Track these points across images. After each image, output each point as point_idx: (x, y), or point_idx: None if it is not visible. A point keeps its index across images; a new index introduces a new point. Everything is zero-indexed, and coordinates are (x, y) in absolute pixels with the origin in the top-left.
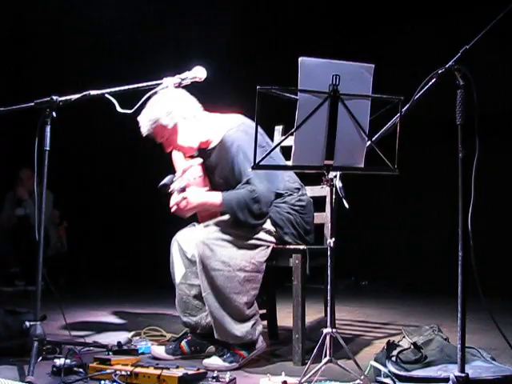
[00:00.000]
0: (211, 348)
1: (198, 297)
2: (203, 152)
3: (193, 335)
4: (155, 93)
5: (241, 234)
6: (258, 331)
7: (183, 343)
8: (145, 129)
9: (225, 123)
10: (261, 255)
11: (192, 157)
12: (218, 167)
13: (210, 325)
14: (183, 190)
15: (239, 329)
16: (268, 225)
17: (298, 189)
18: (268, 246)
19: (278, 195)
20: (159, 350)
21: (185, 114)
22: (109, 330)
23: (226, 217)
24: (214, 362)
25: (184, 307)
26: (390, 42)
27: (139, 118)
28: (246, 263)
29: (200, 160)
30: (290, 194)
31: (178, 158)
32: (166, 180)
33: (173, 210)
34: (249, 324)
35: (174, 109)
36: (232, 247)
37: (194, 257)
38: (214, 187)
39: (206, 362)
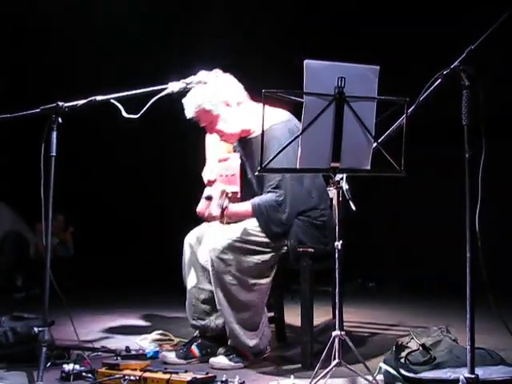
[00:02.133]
0: (221, 350)
1: (207, 301)
2: (243, 141)
3: (202, 338)
4: (161, 98)
5: (252, 239)
6: (266, 339)
7: (193, 347)
8: (189, 112)
9: (271, 116)
10: (271, 261)
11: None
12: (254, 159)
13: (220, 327)
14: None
15: (251, 338)
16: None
17: (321, 207)
18: (278, 251)
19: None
20: (170, 355)
21: (229, 100)
22: (117, 334)
23: (238, 225)
24: (220, 360)
25: (192, 311)
26: (392, 43)
27: (184, 101)
28: (259, 274)
29: (237, 156)
30: (314, 209)
31: (210, 143)
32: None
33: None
34: (260, 332)
35: (218, 95)
36: (245, 257)
37: (207, 262)
38: (244, 185)
39: (213, 360)
